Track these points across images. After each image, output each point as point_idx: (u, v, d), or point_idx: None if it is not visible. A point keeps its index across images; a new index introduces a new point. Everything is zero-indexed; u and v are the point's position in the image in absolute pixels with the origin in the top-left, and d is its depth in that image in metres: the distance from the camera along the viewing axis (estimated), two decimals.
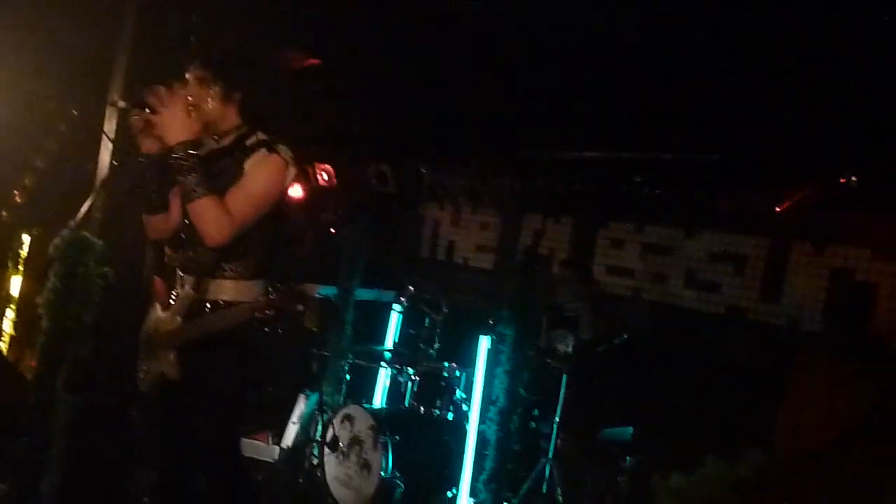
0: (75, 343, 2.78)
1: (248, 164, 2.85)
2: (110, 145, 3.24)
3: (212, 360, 2.88)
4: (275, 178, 2.88)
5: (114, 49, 3.50)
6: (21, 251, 5.66)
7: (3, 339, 5.55)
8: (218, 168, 2.87)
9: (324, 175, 7.20)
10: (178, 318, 2.92)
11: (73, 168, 3.53)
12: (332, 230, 6.77)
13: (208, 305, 2.88)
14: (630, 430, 4.55)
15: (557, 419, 4.54)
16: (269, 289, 2.87)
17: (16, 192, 6.08)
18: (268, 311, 2.83)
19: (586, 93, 4.72)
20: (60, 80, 5.45)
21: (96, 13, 4.25)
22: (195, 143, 2.78)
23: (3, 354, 5.31)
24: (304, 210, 6.78)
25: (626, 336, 4.54)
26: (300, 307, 3.03)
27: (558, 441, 4.58)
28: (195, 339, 2.86)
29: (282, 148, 2.91)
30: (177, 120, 2.74)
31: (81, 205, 2.75)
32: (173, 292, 2.99)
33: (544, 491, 4.58)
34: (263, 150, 2.87)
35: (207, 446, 2.94)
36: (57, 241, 2.67)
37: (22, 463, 2.97)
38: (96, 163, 3.37)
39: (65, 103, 5.83)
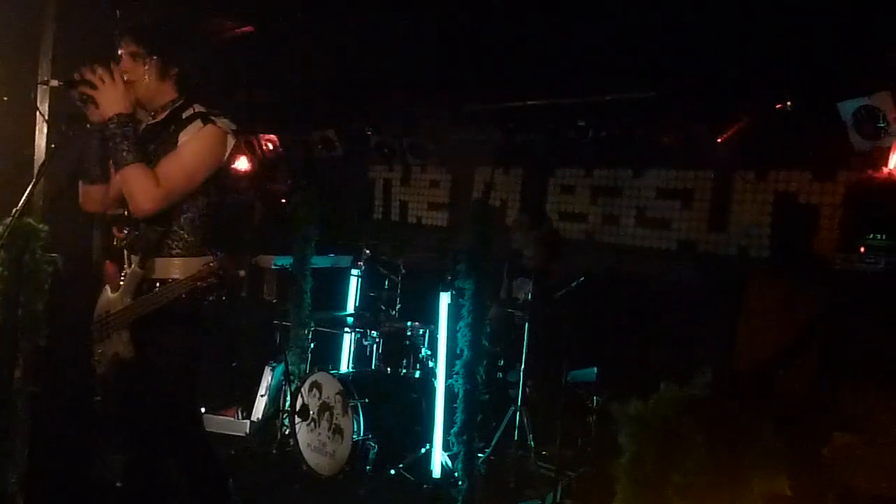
0: (30, 332, 2.72)
1: (182, 136, 2.82)
2: (45, 128, 3.14)
3: (163, 336, 2.86)
4: (209, 148, 2.84)
5: (39, 28, 3.37)
6: None
7: None
8: (154, 142, 2.82)
9: (269, 145, 7.13)
10: (128, 298, 2.88)
11: (10, 156, 3.41)
12: (283, 200, 6.72)
13: (157, 284, 2.85)
14: (594, 370, 4.65)
15: (523, 367, 4.62)
16: (211, 257, 2.85)
17: None
18: (209, 279, 2.82)
19: (525, 41, 4.72)
20: None
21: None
22: (130, 116, 2.74)
23: None
24: (253, 182, 6.70)
25: (582, 278, 4.61)
26: (241, 272, 3.02)
27: (526, 388, 4.66)
28: (144, 316, 2.83)
29: (221, 120, 2.87)
30: (112, 93, 2.70)
31: (22, 193, 2.67)
32: (122, 273, 2.94)
33: (516, 438, 4.67)
34: (198, 122, 2.83)
35: (169, 424, 2.92)
36: (0, 230, 2.59)
37: None
38: (33, 148, 3.27)
39: None
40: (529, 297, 4.81)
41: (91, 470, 3.80)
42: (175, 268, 2.85)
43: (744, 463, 1.86)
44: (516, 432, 4.67)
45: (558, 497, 4.21)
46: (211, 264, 2.81)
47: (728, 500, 1.82)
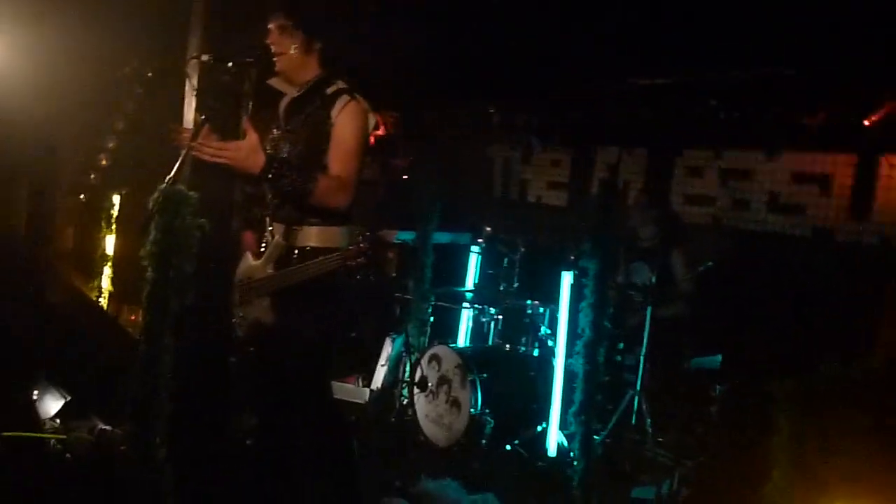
0: (179, 292, 2.89)
1: (336, 114, 2.90)
2: (194, 101, 3.31)
3: (305, 307, 2.97)
4: (364, 128, 2.96)
5: (190, 2, 3.55)
6: (112, 211, 5.90)
7: (103, 295, 5.83)
8: (301, 114, 2.92)
9: (391, 122, 7.25)
10: (270, 267, 3.01)
11: (156, 128, 3.62)
12: (405, 176, 6.83)
13: (296, 252, 2.97)
14: (719, 358, 4.52)
15: (644, 351, 4.54)
16: (360, 236, 2.92)
17: (101, 155, 6.32)
18: (358, 259, 2.89)
19: (653, 17, 4.59)
20: (136, 42, 5.59)
21: None
22: (274, 159, 2.83)
23: (106, 310, 5.60)
24: (375, 157, 6.83)
25: (710, 264, 4.47)
26: (390, 253, 3.08)
27: (645, 373, 4.59)
28: (289, 286, 2.95)
29: (359, 96, 2.95)
30: (248, 156, 2.78)
31: (170, 163, 2.83)
32: (263, 241, 3.08)
33: (633, 423, 4.61)
34: (346, 97, 2.91)
35: (302, 389, 3.05)
36: (156, 195, 2.77)
37: (134, 409, 3.13)
38: (181, 121, 3.46)
39: (141, 66, 5.99)
40: (653, 280, 4.71)
41: (226, 428, 4.02)
42: (315, 237, 2.96)
43: None
44: (634, 417, 4.62)
45: (675, 485, 4.14)
46: (361, 244, 2.87)
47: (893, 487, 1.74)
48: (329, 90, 2.97)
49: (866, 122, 4.37)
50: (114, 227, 5.92)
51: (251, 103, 3.43)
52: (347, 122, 2.90)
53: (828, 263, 4.68)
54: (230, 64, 2.85)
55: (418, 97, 6.59)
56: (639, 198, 5.37)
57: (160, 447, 3.01)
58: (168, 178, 2.82)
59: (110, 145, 6.37)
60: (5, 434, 3.37)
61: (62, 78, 5.96)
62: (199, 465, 3.55)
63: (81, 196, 6.42)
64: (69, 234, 6.52)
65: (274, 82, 3.05)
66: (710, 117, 5.13)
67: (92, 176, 6.42)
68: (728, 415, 4.19)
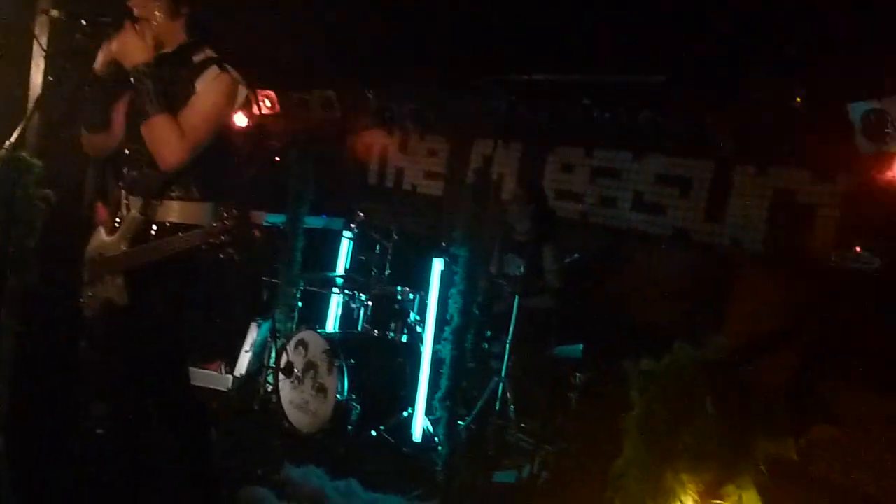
0: (20, 269, 2.68)
1: (201, 83, 2.76)
2: (42, 62, 3.07)
3: (161, 286, 2.81)
4: (228, 98, 2.81)
5: None
6: None
7: None
8: (164, 83, 2.76)
9: (266, 102, 7.04)
10: (125, 243, 2.83)
11: (5, 88, 3.33)
12: (277, 158, 6.65)
13: (154, 227, 2.80)
14: (580, 347, 4.66)
15: (510, 339, 4.62)
16: (225, 214, 2.79)
17: None
18: (222, 237, 2.76)
19: (535, 14, 4.66)
20: None
21: None
22: (152, 65, 2.68)
23: None
24: (249, 136, 6.62)
25: (577, 256, 4.60)
26: (257, 233, 2.96)
27: (510, 360, 4.67)
28: (145, 263, 2.79)
29: (233, 70, 2.82)
30: (134, 41, 2.66)
31: (15, 126, 2.61)
32: (117, 215, 2.89)
33: (497, 409, 4.69)
34: (215, 68, 2.78)
35: (157, 373, 2.89)
36: None
37: None
38: (27, 84, 3.20)
39: None
40: (521, 270, 4.80)
41: (73, 416, 3.78)
42: (175, 212, 2.80)
43: (751, 426, 1.88)
44: (498, 403, 4.69)
45: (535, 469, 4.24)
46: (226, 221, 2.74)
47: (734, 460, 1.84)
48: (196, 58, 2.82)
49: (722, 131, 4.60)
50: None
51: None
52: (209, 89, 2.76)
53: (684, 262, 4.91)
54: (84, 22, 2.64)
55: (296, 77, 6.43)
56: (517, 192, 5.44)
57: None
58: (7, 143, 2.60)
59: None
60: None
61: None
62: (42, 457, 3.32)
63: None
64: None
65: None
66: (583, 116, 5.27)
67: None
68: (587, 401, 4.33)
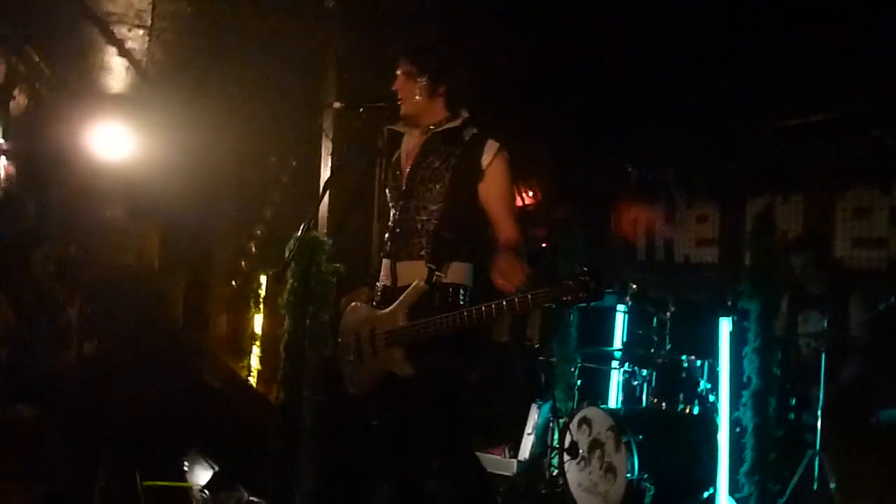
0: (316, 342, 2.84)
1: (487, 163, 2.80)
2: (330, 147, 3.36)
3: (449, 356, 2.73)
4: (510, 173, 2.85)
5: (324, 53, 3.66)
6: (260, 291, 6.11)
7: (252, 374, 5.98)
8: (441, 158, 2.85)
9: (529, 194, 7.16)
10: (403, 313, 2.75)
11: (300, 175, 3.71)
12: (544, 245, 6.67)
13: (443, 293, 2.76)
14: None
15: (821, 405, 4.05)
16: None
17: (251, 243, 6.64)
18: (580, 294, 2.43)
19: (798, 51, 4.32)
20: (277, 133, 5.90)
21: (297, 60, 4.52)
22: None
23: (253, 387, 5.71)
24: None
25: (893, 299, 3.99)
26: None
27: (824, 429, 4.08)
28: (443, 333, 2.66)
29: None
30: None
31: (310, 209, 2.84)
32: (377, 287, 2.89)
33: (815, 488, 4.08)
34: (494, 143, 2.82)
35: (443, 452, 2.80)
36: (291, 243, 2.77)
37: (275, 476, 3.05)
38: (319, 172, 3.52)
39: (284, 155, 6.31)
40: (824, 325, 4.24)
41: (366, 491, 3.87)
42: (457, 274, 2.77)
43: None
44: (815, 483, 4.08)
45: None
46: (533, 294, 2.51)
47: None
48: (467, 135, 2.89)
49: None
50: (261, 306, 6.12)
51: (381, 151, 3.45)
52: (500, 173, 2.79)
53: None
54: (360, 109, 2.85)
55: (553, 161, 6.51)
56: (799, 246, 4.94)
57: None
58: (302, 225, 2.81)
59: (258, 232, 6.69)
60: (148, 483, 3.39)
61: (213, 174, 6.37)
62: None
63: (233, 282, 6.73)
64: (224, 320, 6.82)
65: (397, 126, 3.01)
66: (873, 149, 4.68)
67: (243, 263, 6.74)
68: None
